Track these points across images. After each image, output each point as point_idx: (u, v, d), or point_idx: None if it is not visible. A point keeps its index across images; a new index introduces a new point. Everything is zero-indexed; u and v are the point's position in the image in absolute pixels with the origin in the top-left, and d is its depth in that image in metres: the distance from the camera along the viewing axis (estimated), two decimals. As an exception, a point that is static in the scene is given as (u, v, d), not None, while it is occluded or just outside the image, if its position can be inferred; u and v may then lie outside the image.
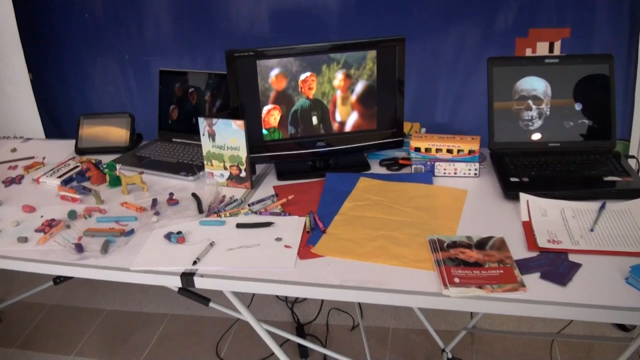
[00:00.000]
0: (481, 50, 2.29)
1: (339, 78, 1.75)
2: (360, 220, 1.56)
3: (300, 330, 2.47)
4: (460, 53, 2.32)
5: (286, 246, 1.47)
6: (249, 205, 1.68)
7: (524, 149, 1.82)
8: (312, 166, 1.87)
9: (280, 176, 1.83)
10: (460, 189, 1.69)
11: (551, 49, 2.21)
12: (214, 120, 1.73)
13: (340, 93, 1.77)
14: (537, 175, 1.69)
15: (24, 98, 2.52)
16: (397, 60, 1.75)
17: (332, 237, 1.49)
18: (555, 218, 1.51)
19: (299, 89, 1.75)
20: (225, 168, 1.77)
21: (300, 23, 2.39)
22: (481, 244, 1.42)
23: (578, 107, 1.80)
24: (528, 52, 2.25)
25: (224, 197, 1.73)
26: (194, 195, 1.74)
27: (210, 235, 1.54)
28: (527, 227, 1.48)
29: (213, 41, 2.54)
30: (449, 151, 1.73)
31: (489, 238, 1.44)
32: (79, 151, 2.16)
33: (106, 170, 1.89)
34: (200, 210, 1.66)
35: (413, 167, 1.77)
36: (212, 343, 2.49)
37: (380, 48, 1.73)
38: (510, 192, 1.62)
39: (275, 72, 1.72)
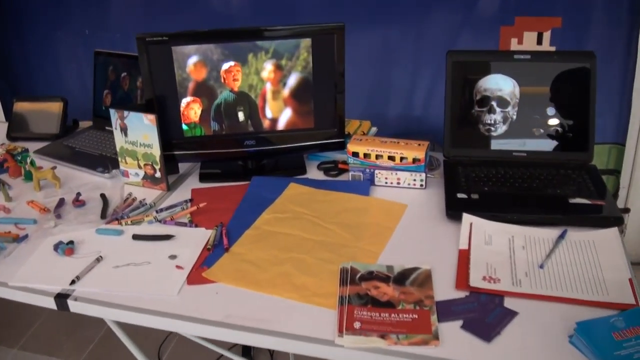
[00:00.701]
0: (459, 39, 2.02)
1: (268, 69, 1.52)
2: (272, 237, 1.34)
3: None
4: (434, 41, 2.06)
5: (177, 267, 1.26)
6: (157, 211, 1.47)
7: (484, 158, 1.57)
8: (243, 167, 1.65)
9: (203, 178, 1.61)
10: (399, 203, 1.46)
11: (539, 40, 1.93)
12: (125, 112, 1.52)
13: (270, 86, 1.54)
14: (490, 191, 1.44)
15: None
16: (336, 50, 1.50)
17: (233, 258, 1.28)
18: (500, 247, 1.27)
19: (222, 80, 1.52)
20: (139, 167, 1.57)
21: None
22: (401, 278, 1.19)
23: (551, 111, 1.54)
24: (514, 43, 1.98)
25: (133, 199, 1.53)
26: (102, 196, 1.54)
27: (103, 247, 1.35)
28: (463, 257, 1.24)
29: (180, 19, 2.32)
30: (391, 158, 1.49)
31: (413, 270, 1.21)
32: (11, 137, 1.97)
33: (21, 162, 1.70)
34: (104, 215, 1.47)
35: (350, 174, 1.54)
36: (155, 344, 2.32)
37: (316, 36, 1.49)
38: (452, 212, 1.38)
39: (193, 60, 1.50)
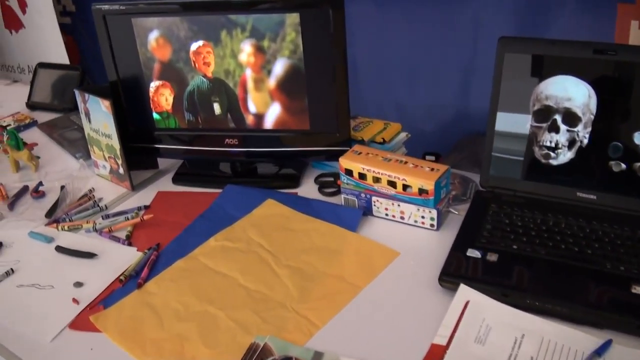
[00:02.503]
0: (559, 17, 1.49)
1: (246, 51, 1.17)
2: (202, 275, 1.03)
3: None
4: (520, 17, 1.54)
5: (74, 300, 1.00)
6: (103, 217, 1.22)
7: (533, 195, 1.10)
8: (232, 168, 1.33)
9: (178, 179, 1.32)
10: (390, 250, 1.06)
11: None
12: (86, 95, 1.27)
13: (251, 73, 1.19)
14: (518, 252, 0.99)
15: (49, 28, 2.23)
16: (334, 29, 1.11)
17: (139, 300, 0.99)
18: (496, 352, 0.84)
19: (192, 63, 1.20)
20: (105, 158, 1.32)
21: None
22: (325, 377, 0.82)
23: (640, 139, 1.02)
24: (634, 27, 1.41)
25: (89, 197, 1.29)
26: (62, 188, 1.32)
27: (24, 256, 1.14)
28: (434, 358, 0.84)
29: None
30: (391, 184, 1.09)
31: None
32: (30, 105, 1.84)
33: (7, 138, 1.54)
34: (50, 213, 1.25)
35: (342, 196, 1.16)
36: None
37: (305, 10, 1.11)
38: (448, 278, 0.95)
39: (154, 35, 1.19)
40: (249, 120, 1.23)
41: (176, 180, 1.30)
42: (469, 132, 1.68)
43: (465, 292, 0.92)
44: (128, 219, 1.18)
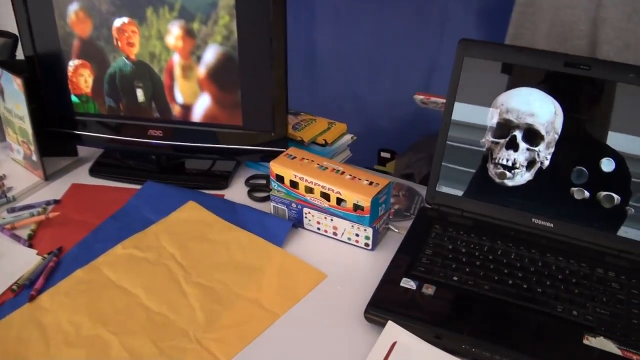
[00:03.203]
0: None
1: (174, 34, 1.03)
2: (103, 290, 0.90)
3: None
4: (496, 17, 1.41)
5: (-49, 310, 0.87)
6: (8, 210, 1.08)
7: (483, 218, 0.98)
8: (157, 163, 1.20)
9: (96, 170, 1.18)
10: (317, 271, 0.93)
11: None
12: (0, 70, 1.12)
13: (179, 59, 1.05)
14: (457, 285, 0.87)
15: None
16: (274, 16, 0.97)
17: (29, 317, 0.86)
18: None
19: (114, 42, 1.06)
20: (18, 142, 1.18)
21: None
22: None
23: (608, 166, 0.90)
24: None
25: (-3, 186, 1.15)
26: (-33, 173, 1.18)
27: None
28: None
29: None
30: (325, 196, 0.96)
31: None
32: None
33: None
34: (-50, 201, 1.11)
35: (272, 204, 1.03)
36: None
37: (240, -9, 0.97)
38: (375, 313, 0.83)
39: (74, 7, 1.05)
40: (175, 110, 1.10)
41: (93, 171, 1.16)
42: (429, 132, 1.56)
43: (393, 330, 0.80)
44: (34, 214, 1.05)
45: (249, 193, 1.09)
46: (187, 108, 1.09)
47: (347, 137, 1.14)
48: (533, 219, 0.96)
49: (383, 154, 1.66)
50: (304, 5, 1.55)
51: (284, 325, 0.84)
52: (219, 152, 1.10)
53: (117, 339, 0.82)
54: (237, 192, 1.10)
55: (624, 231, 0.91)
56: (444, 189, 1.00)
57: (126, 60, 1.06)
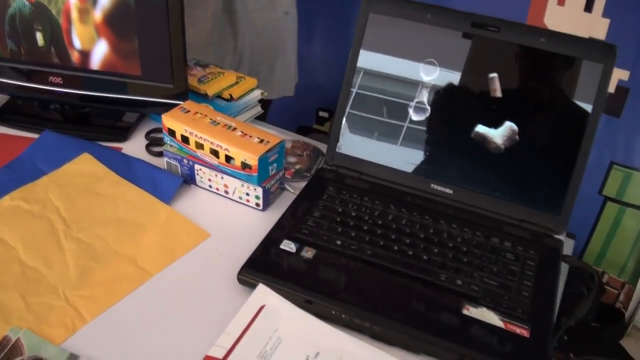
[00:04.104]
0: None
1: (67, -27, 0.97)
2: (-22, 244, 0.87)
3: None
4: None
5: None
6: None
7: (381, 181, 0.95)
8: (61, 111, 1.15)
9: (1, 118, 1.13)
10: (200, 230, 0.90)
11: (588, 6, 1.17)
12: None
13: (75, 0, 1.00)
14: (338, 250, 0.84)
15: None
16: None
17: None
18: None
19: (9, -20, 1.00)
20: None
21: None
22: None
23: (507, 130, 0.87)
24: (552, 1, 1.23)
25: None
26: None
27: None
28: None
29: None
30: (214, 153, 0.92)
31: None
32: None
33: None
34: None
35: (165, 160, 0.99)
36: None
37: None
38: (248, 275, 0.80)
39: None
40: (74, 57, 1.04)
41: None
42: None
43: (263, 293, 0.78)
44: None
45: (147, 147, 1.05)
46: (85, 54, 1.04)
47: (257, 93, 1.10)
48: (432, 185, 0.93)
49: (321, 114, 1.62)
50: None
51: (156, 285, 0.81)
52: (117, 103, 1.06)
53: (-14, 294, 0.79)
54: (136, 146, 1.06)
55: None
56: (345, 150, 0.96)
57: (25, 1, 1.00)
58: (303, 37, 1.51)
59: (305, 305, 0.76)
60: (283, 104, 1.52)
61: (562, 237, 0.88)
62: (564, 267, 0.85)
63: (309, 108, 1.62)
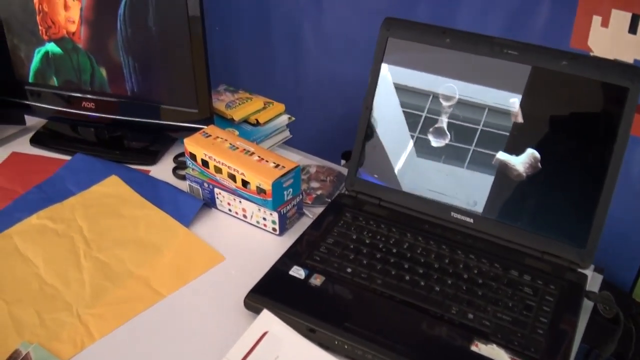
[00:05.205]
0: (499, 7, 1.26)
1: None
2: (7, 259, 0.91)
3: None
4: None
5: None
6: (-59, 175, 1.10)
7: (399, 207, 0.93)
8: (96, 135, 1.19)
9: (37, 139, 1.18)
10: (216, 253, 0.91)
11: (633, 27, 1.12)
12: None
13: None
14: (348, 278, 0.83)
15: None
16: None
17: None
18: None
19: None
20: (-35, 107, 1.20)
21: None
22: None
23: (531, 157, 0.84)
24: (595, 22, 1.18)
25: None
26: None
27: None
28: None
29: None
30: (232, 177, 0.93)
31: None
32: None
33: None
34: None
35: (187, 183, 1.01)
36: None
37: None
38: (254, 300, 0.80)
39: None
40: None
41: (34, 141, 1.17)
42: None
43: (266, 319, 0.77)
44: (-38, 179, 1.06)
45: (174, 170, 1.07)
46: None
47: (284, 118, 1.11)
48: (452, 213, 0.90)
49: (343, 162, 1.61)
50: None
51: (165, 306, 0.82)
52: (144, 127, 1.09)
53: (6, 306, 0.82)
54: (164, 169, 1.09)
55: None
56: (365, 176, 0.95)
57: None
58: (347, 57, 1.51)
59: (309, 333, 0.75)
60: (330, 127, 1.52)
61: (587, 271, 0.83)
62: (588, 304, 0.80)
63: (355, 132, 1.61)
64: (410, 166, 0.91)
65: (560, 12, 1.18)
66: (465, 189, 0.88)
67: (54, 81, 1.11)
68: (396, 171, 0.92)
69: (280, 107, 1.11)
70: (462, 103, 0.87)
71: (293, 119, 1.11)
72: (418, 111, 0.90)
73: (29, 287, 0.85)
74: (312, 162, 1.09)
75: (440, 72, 0.88)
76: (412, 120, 0.91)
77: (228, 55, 1.51)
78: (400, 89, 0.91)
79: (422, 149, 0.90)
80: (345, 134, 1.61)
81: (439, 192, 0.90)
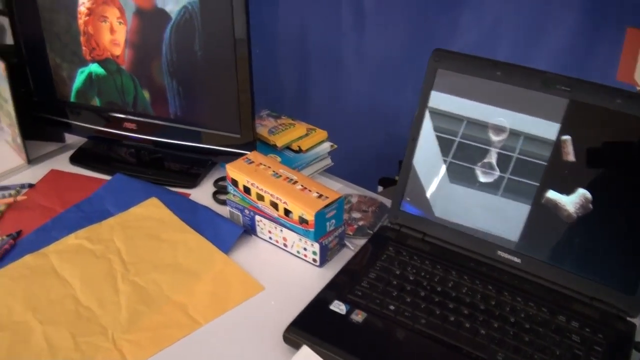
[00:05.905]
0: (553, 36, 1.25)
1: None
2: (44, 277, 0.90)
3: None
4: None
5: None
6: (-18, 190, 1.10)
7: (443, 243, 0.90)
8: (136, 156, 1.19)
9: (77, 158, 1.19)
10: (255, 283, 0.89)
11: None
12: (-12, 52, 1.15)
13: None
14: (390, 316, 0.80)
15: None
16: (236, 14, 0.94)
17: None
18: None
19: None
20: (7, 124, 1.20)
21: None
22: None
23: (580, 198, 0.81)
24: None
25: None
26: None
27: None
28: None
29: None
30: (274, 205, 0.91)
31: None
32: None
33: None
34: (-64, 176, 1.15)
35: (228, 209, 0.99)
36: None
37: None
38: (293, 334, 0.78)
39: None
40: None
41: (74, 159, 1.17)
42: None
43: (305, 355, 0.75)
44: (5, 196, 1.06)
45: (214, 195, 1.06)
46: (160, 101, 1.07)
47: (326, 145, 1.09)
48: (498, 252, 0.87)
49: (380, 189, 1.60)
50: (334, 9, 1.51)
51: (202, 334, 0.80)
52: (186, 150, 1.08)
53: (41, 327, 0.81)
54: (204, 193, 1.08)
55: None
56: (409, 209, 0.93)
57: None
58: (390, 86, 1.50)
59: (353, 374, 0.73)
60: (367, 154, 1.51)
61: (636, 320, 0.79)
62: (637, 356, 0.77)
63: (393, 158, 1.60)
64: (456, 200, 0.89)
65: (607, 47, 1.16)
66: (512, 227, 0.86)
67: (97, 101, 1.11)
68: (441, 204, 0.90)
69: (323, 134, 1.10)
70: (513, 134, 0.85)
71: (335, 146, 1.09)
72: (466, 140, 0.88)
73: (65, 309, 0.84)
74: (353, 191, 1.07)
75: (490, 103, 0.86)
76: (460, 153, 0.88)
77: (266, 80, 1.51)
78: (446, 117, 0.89)
79: (470, 182, 0.88)
80: (381, 160, 1.60)
81: (486, 229, 0.88)
